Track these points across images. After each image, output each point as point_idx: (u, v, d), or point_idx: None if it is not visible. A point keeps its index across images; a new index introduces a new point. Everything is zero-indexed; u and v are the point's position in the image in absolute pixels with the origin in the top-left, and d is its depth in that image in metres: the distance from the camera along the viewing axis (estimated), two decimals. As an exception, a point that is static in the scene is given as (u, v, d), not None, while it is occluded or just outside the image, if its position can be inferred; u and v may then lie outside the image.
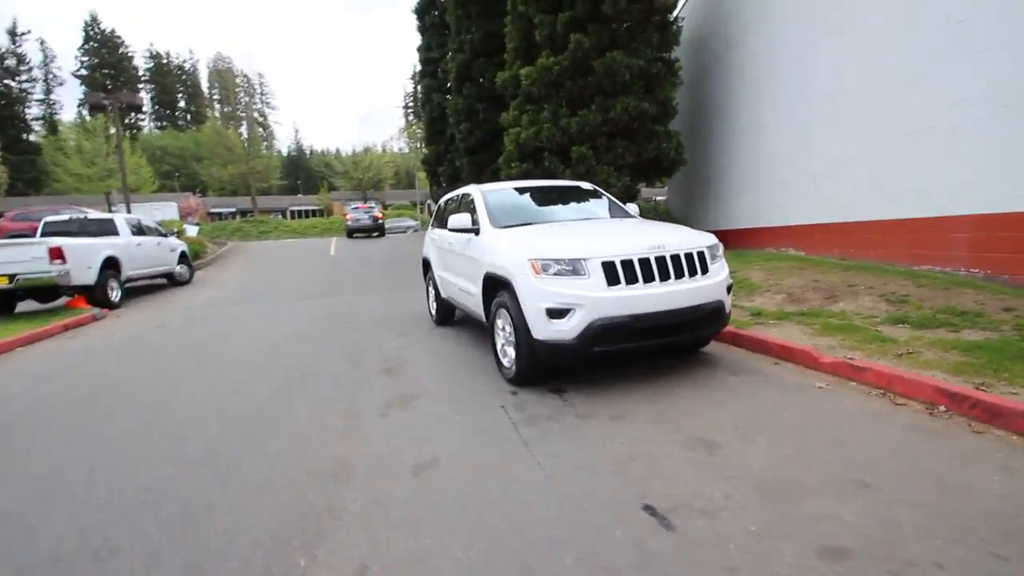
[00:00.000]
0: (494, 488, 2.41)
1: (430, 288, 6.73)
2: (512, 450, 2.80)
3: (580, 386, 3.74)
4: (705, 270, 3.70)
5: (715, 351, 4.52)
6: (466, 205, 5.30)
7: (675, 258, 3.57)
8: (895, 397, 3.16)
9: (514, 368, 3.79)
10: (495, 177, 14.41)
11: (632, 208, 5.29)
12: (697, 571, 1.76)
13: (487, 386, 3.94)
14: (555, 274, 3.47)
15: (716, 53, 11.09)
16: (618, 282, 3.42)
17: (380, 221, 23.23)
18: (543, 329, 3.46)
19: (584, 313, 3.38)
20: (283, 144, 66.80)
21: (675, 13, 10.59)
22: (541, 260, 3.51)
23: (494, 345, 4.19)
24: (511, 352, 3.89)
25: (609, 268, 3.43)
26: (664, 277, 3.51)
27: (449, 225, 4.79)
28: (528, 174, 11.16)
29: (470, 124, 14.37)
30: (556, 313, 3.42)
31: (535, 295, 3.49)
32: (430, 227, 7.07)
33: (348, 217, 23.20)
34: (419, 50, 18.22)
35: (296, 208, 55.80)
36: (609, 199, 5.35)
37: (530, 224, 4.50)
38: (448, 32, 17.88)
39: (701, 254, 3.72)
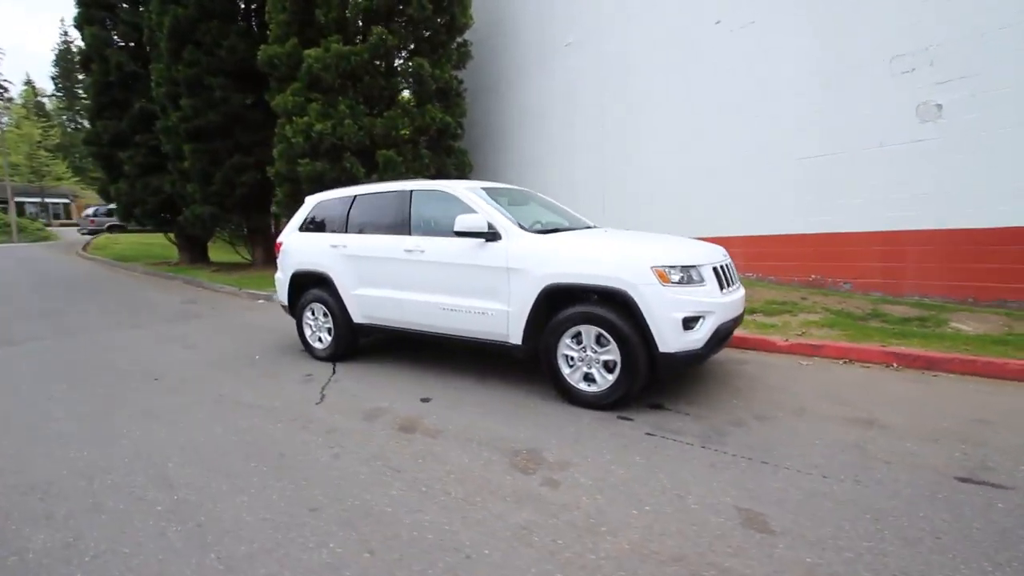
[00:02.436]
0: (864, 518, 2.20)
1: (312, 314, 5.02)
2: (771, 477, 2.57)
3: (663, 397, 3.63)
4: (736, 275, 4.20)
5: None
6: (434, 205, 4.27)
7: (731, 265, 3.93)
8: (857, 363, 4.38)
9: (621, 389, 3.35)
10: (244, 173, 11.48)
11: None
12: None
13: (585, 419, 3.33)
14: (678, 282, 3.29)
15: (495, 88, 12.00)
16: (723, 287, 3.53)
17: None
18: (676, 341, 3.22)
19: (713, 320, 3.34)
20: None
21: (464, 35, 10.95)
22: (667, 267, 3.27)
23: (556, 369, 3.57)
24: (603, 374, 3.42)
25: (716, 274, 3.50)
26: (734, 282, 3.82)
27: (457, 227, 3.77)
28: (322, 176, 9.51)
29: (198, 101, 10.89)
30: (690, 322, 3.26)
31: (669, 305, 3.21)
32: (295, 233, 5.25)
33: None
34: (76, -17, 12.56)
35: None
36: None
37: (559, 231, 4.03)
38: (132, -31, 13.15)
39: (732, 261, 4.21)
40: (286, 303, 5.32)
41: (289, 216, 11.04)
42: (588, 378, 3.51)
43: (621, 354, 3.33)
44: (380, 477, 2.63)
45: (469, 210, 4.00)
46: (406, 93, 10.90)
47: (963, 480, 2.44)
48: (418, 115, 9.89)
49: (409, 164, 9.80)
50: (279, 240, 5.42)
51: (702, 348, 3.31)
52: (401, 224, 4.42)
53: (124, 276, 12.58)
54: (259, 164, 11.73)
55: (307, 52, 9.31)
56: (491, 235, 3.82)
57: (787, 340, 4.85)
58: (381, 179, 9.51)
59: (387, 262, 4.41)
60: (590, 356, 3.48)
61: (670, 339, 3.23)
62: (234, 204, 11.91)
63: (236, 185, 11.60)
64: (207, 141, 11.35)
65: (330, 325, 4.91)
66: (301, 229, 5.24)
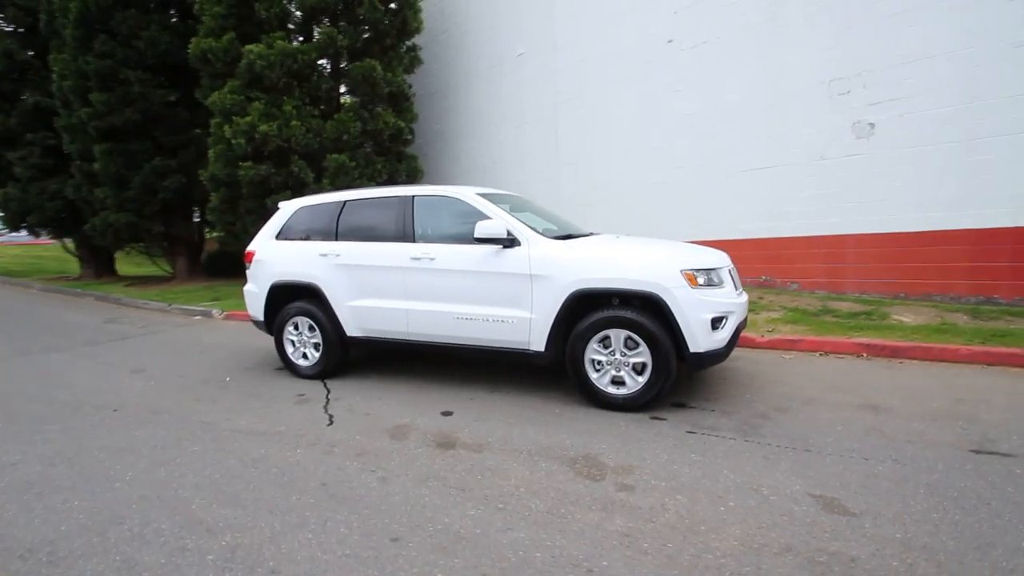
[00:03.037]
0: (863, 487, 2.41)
1: (295, 329, 4.65)
2: (822, 463, 2.74)
3: (683, 397, 3.76)
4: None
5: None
6: (441, 211, 4.14)
7: (735, 269, 4.16)
8: (832, 355, 4.80)
9: (653, 390, 3.41)
10: (167, 177, 10.37)
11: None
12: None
13: (620, 421, 3.36)
14: (704, 284, 3.43)
15: (443, 94, 11.86)
16: (736, 289, 3.73)
17: None
18: (705, 340, 3.35)
19: (734, 320, 3.52)
20: None
21: (414, 40, 10.73)
22: (694, 270, 3.40)
23: (585, 374, 3.57)
24: (633, 376, 3.48)
25: (730, 276, 3.69)
26: (739, 285, 4.04)
27: (478, 234, 3.67)
28: (266, 180, 8.88)
29: (112, 97, 9.68)
30: (716, 322, 3.40)
31: (698, 307, 3.34)
32: (270, 241, 4.85)
33: None
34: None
35: None
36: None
37: (573, 236, 4.06)
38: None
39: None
40: (261, 318, 4.87)
41: (225, 223, 10.17)
42: (616, 381, 3.55)
43: (652, 356, 3.40)
44: (447, 498, 2.48)
45: (483, 216, 3.92)
46: (347, 97, 10.47)
47: (977, 452, 2.76)
48: (369, 119, 9.55)
49: (362, 170, 9.41)
50: (249, 249, 4.97)
51: (725, 347, 3.48)
52: (403, 231, 4.22)
53: (21, 294, 10.87)
54: (184, 167, 10.72)
55: (249, 48, 8.67)
56: (510, 241, 3.77)
57: (764, 337, 5.22)
58: (332, 185, 9.05)
59: (390, 271, 4.19)
60: (619, 359, 3.53)
61: (701, 339, 3.36)
62: (154, 211, 10.75)
63: (158, 190, 10.49)
64: (123, 141, 10.15)
65: (318, 340, 4.57)
66: (277, 237, 4.84)
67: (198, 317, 8.35)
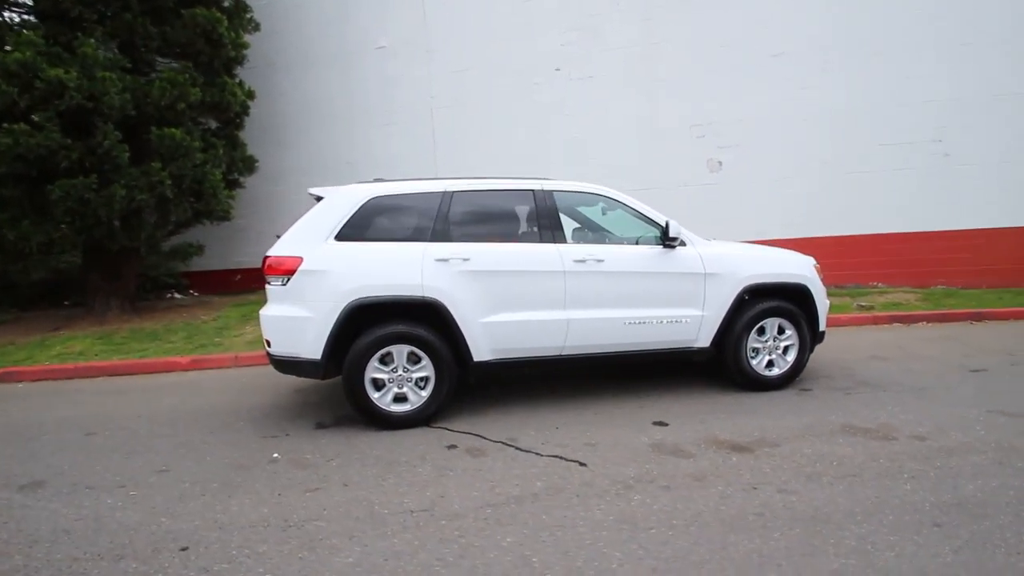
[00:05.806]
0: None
1: (384, 364, 3.43)
2: (960, 396, 3.85)
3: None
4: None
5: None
6: (589, 209, 3.79)
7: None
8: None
9: (799, 368, 4.03)
10: None
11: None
12: None
13: (803, 399, 3.84)
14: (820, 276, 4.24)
15: (274, 73, 9.67)
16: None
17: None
18: (825, 321, 4.16)
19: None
20: None
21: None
22: (817, 265, 4.16)
23: (747, 363, 3.91)
24: (783, 359, 4.00)
25: (805, 270, 4.63)
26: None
27: (672, 232, 3.60)
28: (53, 156, 5.69)
29: None
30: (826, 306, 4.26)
31: (823, 294, 4.12)
32: (329, 243, 3.42)
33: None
34: None
35: None
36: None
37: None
38: None
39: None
40: (317, 356, 3.29)
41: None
42: (770, 364, 4.02)
43: (799, 338, 4.02)
44: (865, 487, 2.53)
45: (640, 215, 3.86)
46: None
47: (1013, 365, 4.38)
48: (210, 87, 7.16)
49: (203, 154, 6.95)
50: (290, 255, 3.32)
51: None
52: (548, 230, 3.65)
53: None
54: None
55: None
56: (674, 243, 3.80)
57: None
58: (165, 167, 6.40)
59: (545, 276, 3.55)
60: (771, 345, 4.01)
61: (824, 320, 4.16)
62: None
63: None
64: None
65: (425, 373, 3.44)
66: (339, 238, 3.40)
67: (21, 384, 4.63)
